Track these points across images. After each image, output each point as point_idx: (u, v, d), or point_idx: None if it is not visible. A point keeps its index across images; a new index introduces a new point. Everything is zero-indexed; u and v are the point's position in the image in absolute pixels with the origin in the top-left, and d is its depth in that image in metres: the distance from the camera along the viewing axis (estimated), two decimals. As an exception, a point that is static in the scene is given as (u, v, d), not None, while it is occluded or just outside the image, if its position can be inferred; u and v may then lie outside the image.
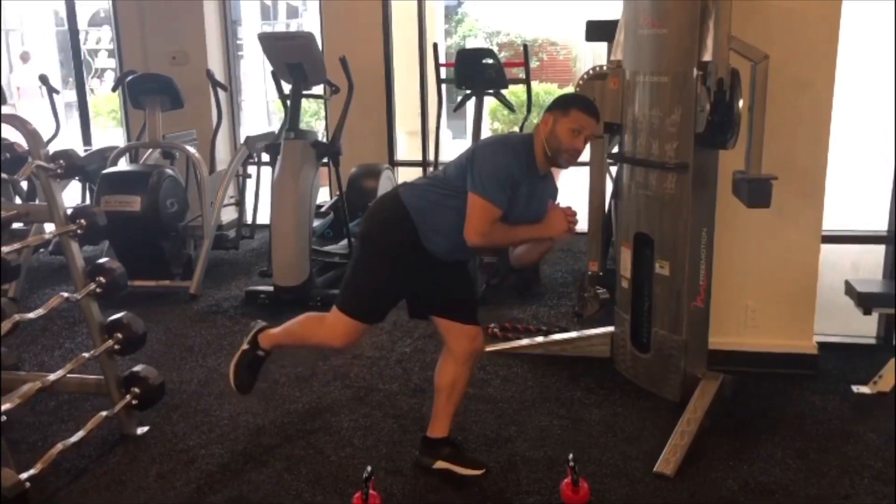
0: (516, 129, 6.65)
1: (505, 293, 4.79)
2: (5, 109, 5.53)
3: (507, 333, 4.11)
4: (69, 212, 2.95)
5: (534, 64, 12.23)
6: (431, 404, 2.84)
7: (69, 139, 6.69)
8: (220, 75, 6.28)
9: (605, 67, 3.54)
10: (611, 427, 3.15)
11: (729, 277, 3.55)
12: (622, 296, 3.56)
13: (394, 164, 6.24)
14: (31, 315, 2.71)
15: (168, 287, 4.86)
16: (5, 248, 2.69)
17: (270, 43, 4.61)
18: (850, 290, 3.62)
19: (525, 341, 3.95)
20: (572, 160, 2.51)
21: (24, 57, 11.38)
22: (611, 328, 3.71)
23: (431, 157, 5.82)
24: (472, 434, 3.10)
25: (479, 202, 2.44)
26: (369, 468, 2.59)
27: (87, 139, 6.35)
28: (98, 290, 3.00)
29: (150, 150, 5.28)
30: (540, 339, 3.94)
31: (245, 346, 2.93)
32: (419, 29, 6.22)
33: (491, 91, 4.85)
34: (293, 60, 4.54)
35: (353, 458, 2.90)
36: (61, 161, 2.90)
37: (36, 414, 3.27)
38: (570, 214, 2.49)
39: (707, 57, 2.96)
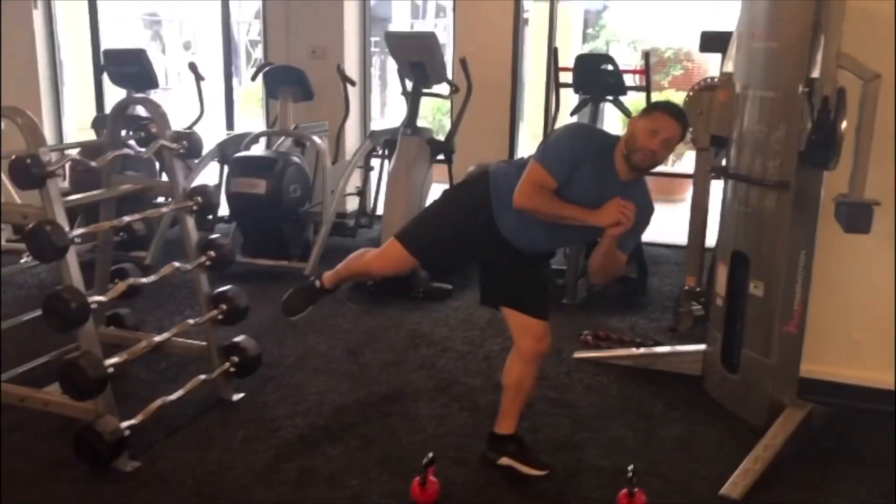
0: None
1: (607, 302, 4.77)
2: (158, 93, 6.05)
3: (599, 342, 4.09)
4: (187, 190, 3.23)
5: (677, 72, 11.92)
6: (507, 402, 2.91)
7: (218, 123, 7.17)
8: (355, 71, 6.56)
9: (715, 79, 3.47)
10: (686, 444, 3.10)
11: (832, 305, 3.40)
12: (716, 314, 3.48)
13: (513, 164, 6.29)
14: (144, 280, 3.00)
15: (286, 267, 5.15)
16: (128, 218, 2.99)
17: (395, 42, 4.80)
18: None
19: (615, 351, 3.93)
20: (645, 160, 2.52)
21: (187, 45, 12.27)
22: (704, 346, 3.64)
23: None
24: (544, 436, 3.13)
25: (534, 167, 2.57)
26: (431, 454, 2.69)
27: (229, 124, 6.81)
28: (208, 263, 3.26)
29: (283, 138, 5.61)
30: (632, 350, 3.92)
31: (311, 279, 3.15)
32: (549, 33, 6.25)
33: (610, 97, 4.83)
34: (415, 59, 4.71)
35: (423, 445, 2.99)
36: (184, 142, 3.18)
37: (149, 372, 3.57)
38: (623, 206, 2.48)
39: (815, 73, 2.86)
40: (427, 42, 4.67)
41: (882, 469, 2.94)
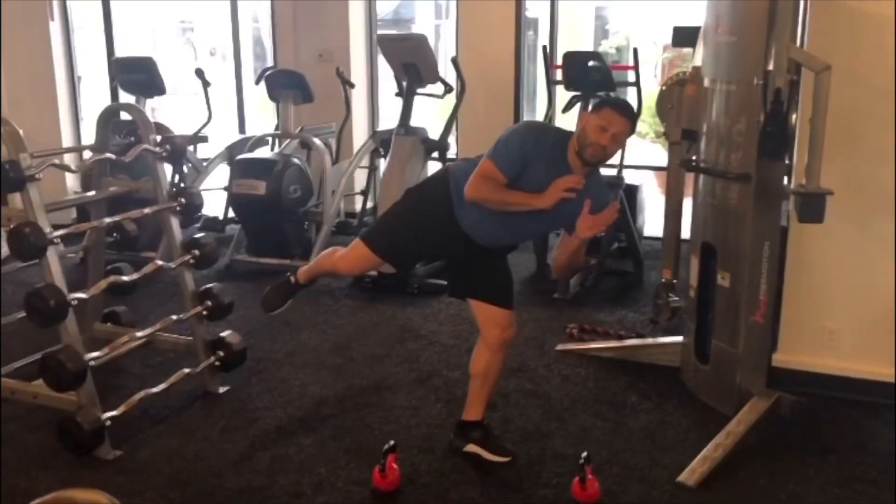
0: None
1: (599, 296, 4.82)
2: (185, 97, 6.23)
3: (584, 335, 4.14)
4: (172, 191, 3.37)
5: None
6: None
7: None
8: (362, 73, 6.68)
9: (686, 74, 3.51)
10: (652, 434, 3.15)
11: (806, 295, 3.42)
12: (689, 305, 3.52)
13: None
14: (125, 278, 3.15)
15: (287, 266, 5.26)
16: (108, 220, 3.14)
17: (388, 44, 4.91)
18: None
19: (597, 343, 3.99)
20: (597, 154, 2.60)
21: (212, 52, 12.53)
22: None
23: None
24: (514, 425, 3.21)
25: (485, 163, 2.65)
26: (392, 442, 2.79)
27: (241, 127, 6.98)
28: (192, 261, 3.40)
29: (288, 140, 5.75)
30: (612, 343, 3.97)
31: (287, 275, 3.23)
32: (550, 31, 6.31)
33: (600, 93, 4.87)
34: (408, 60, 4.81)
35: (394, 434, 3.08)
36: (167, 146, 3.32)
37: (142, 367, 3.73)
38: (566, 182, 2.54)
39: (772, 66, 2.89)
40: (418, 44, 4.77)
41: (844, 457, 2.96)
